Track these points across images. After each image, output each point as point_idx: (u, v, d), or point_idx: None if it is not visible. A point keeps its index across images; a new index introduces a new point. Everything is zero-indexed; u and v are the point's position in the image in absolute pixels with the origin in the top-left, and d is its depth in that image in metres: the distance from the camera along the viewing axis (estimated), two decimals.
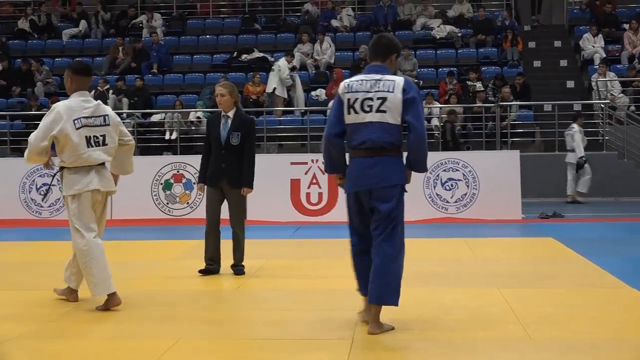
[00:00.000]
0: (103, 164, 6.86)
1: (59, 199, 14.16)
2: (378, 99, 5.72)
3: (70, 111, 6.73)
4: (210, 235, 8.39)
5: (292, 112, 19.48)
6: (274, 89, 19.18)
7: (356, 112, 5.76)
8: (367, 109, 5.74)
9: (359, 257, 6.00)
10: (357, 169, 5.81)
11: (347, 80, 5.93)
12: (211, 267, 8.41)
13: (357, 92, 5.77)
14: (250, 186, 8.28)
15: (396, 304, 5.82)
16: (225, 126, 8.19)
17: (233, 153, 8.16)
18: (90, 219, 6.87)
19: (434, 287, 7.61)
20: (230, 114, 8.23)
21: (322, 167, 6.00)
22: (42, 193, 6.81)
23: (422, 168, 5.89)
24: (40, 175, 14.19)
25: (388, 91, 5.72)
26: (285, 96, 19.29)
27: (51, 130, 6.71)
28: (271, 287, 7.77)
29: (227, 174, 8.20)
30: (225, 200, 8.36)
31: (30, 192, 14.21)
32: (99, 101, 7.05)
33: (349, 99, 5.79)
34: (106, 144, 6.83)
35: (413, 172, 5.90)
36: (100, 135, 6.79)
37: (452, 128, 17.84)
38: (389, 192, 5.76)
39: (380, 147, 5.75)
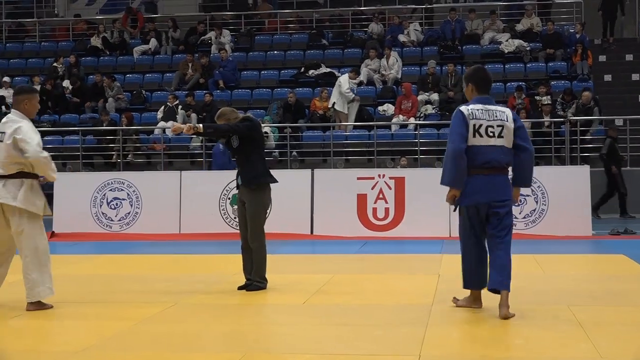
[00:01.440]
0: None
1: (129, 213, 14.40)
2: (498, 126, 6.79)
3: None
4: (243, 252, 8.44)
5: (359, 127, 19.47)
6: (334, 103, 19.20)
7: (481, 136, 6.75)
8: (491, 134, 6.77)
9: (477, 256, 6.98)
10: (480, 184, 6.79)
11: (469, 108, 6.81)
12: (250, 281, 8.41)
13: (480, 119, 6.77)
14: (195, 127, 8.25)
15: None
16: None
17: (239, 155, 8.30)
18: None
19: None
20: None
21: (440, 178, 6.90)
22: None
23: (530, 182, 7.13)
24: (111, 190, 14.45)
25: (505, 120, 6.84)
26: (346, 111, 19.29)
27: None
28: (337, 302, 7.76)
29: (241, 177, 8.32)
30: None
31: (101, 206, 14.46)
32: (8, 117, 7.44)
33: (474, 125, 6.75)
34: None
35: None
36: None
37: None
38: (507, 203, 6.90)
39: (501, 167, 6.86)
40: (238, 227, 8.54)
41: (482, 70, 7.21)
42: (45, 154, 7.34)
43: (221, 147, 16.68)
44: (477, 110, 6.79)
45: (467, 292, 7.23)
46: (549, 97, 19.06)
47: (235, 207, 12.86)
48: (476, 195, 6.80)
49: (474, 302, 7.14)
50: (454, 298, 7.32)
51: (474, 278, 7.06)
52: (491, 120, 6.79)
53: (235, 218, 14.06)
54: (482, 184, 6.78)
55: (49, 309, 7.36)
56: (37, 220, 7.43)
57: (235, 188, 8.59)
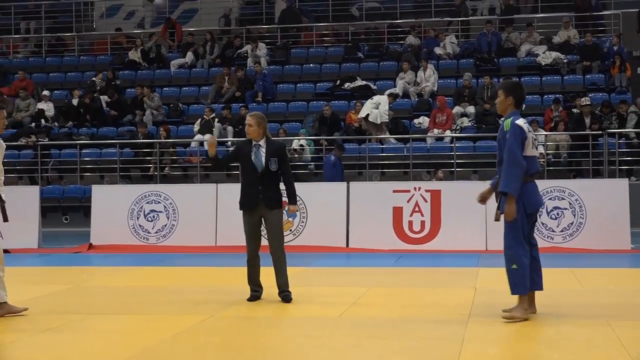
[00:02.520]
0: None
1: (165, 225, 14.48)
2: (534, 139, 7.37)
3: None
4: (252, 263, 8.62)
5: (395, 139, 19.45)
6: (367, 115, 19.16)
7: (533, 148, 7.31)
8: (535, 146, 7.39)
9: (529, 260, 7.29)
10: (536, 191, 7.40)
11: (522, 123, 7.25)
12: (257, 293, 8.62)
13: (531, 132, 7.30)
14: (295, 203, 8.72)
15: None
16: (258, 154, 8.46)
17: (270, 177, 8.45)
18: None
19: (538, 319, 7.45)
20: (262, 142, 8.51)
21: (499, 187, 7.31)
22: None
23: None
24: (148, 202, 14.55)
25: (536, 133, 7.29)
26: (379, 122, 19.24)
27: None
28: (373, 315, 7.74)
29: (265, 198, 8.44)
30: (262, 226, 8.63)
31: (138, 218, 14.56)
32: None
33: (531, 137, 7.28)
34: None
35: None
36: None
37: None
38: None
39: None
40: (247, 240, 8.66)
41: (522, 86, 7.58)
42: None
43: (332, 158, 16.77)
44: (526, 125, 7.29)
45: (512, 303, 7.30)
46: (587, 98, 18.88)
47: None
48: (537, 202, 7.40)
49: (530, 306, 7.35)
50: (505, 312, 7.28)
51: (529, 281, 7.28)
52: (532, 133, 7.34)
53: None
54: (537, 191, 7.40)
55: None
56: None
57: (243, 206, 8.63)
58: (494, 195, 7.62)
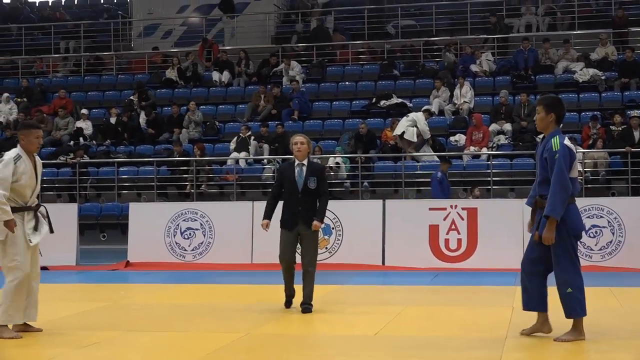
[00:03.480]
0: None
1: (202, 243, 14.55)
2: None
3: None
4: (288, 272, 9.11)
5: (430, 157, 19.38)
6: (403, 132, 19.12)
7: (576, 169, 7.17)
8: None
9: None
10: (579, 214, 7.30)
11: (570, 143, 7.14)
12: (290, 299, 9.24)
13: (576, 153, 7.18)
14: (322, 221, 9.09)
15: None
16: (301, 173, 9.00)
17: (309, 196, 8.98)
18: None
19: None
20: (305, 162, 9.06)
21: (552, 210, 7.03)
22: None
23: None
24: (184, 220, 14.63)
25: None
26: (415, 140, 19.19)
27: None
28: (409, 334, 7.70)
29: (304, 217, 8.96)
30: (298, 242, 9.12)
31: (174, 235, 14.64)
32: None
33: (574, 158, 7.12)
34: None
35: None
36: None
37: None
38: None
39: None
40: (283, 254, 9.09)
41: (563, 102, 7.44)
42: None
43: (439, 175, 16.70)
44: (572, 144, 7.19)
45: (565, 327, 7.21)
46: (638, 110, 18.66)
47: None
48: (582, 225, 7.36)
49: (544, 325, 7.33)
50: (559, 339, 7.18)
51: (585, 305, 7.20)
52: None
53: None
54: (579, 214, 7.33)
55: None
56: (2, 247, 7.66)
57: (284, 225, 9.11)
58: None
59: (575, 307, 7.13)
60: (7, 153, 7.84)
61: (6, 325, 7.61)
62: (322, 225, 9.24)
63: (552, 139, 7.14)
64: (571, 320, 7.19)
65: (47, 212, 8.08)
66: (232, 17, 27.00)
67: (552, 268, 7.20)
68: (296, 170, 9.03)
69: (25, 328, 7.81)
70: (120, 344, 7.36)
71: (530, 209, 7.46)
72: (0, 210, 7.49)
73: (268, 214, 9.13)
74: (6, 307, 7.58)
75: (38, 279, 7.89)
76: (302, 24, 26.53)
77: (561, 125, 7.38)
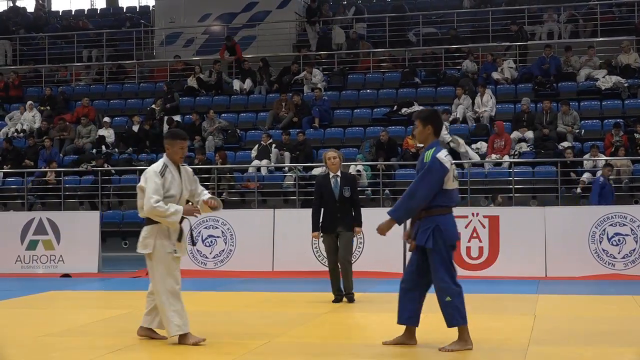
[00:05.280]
0: None
1: (223, 250, 14.58)
2: (454, 171, 7.29)
3: None
4: (334, 273, 10.42)
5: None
6: None
7: (454, 181, 7.25)
8: (455, 177, 7.29)
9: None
10: (454, 223, 7.44)
11: (444, 156, 7.11)
12: (339, 297, 10.40)
13: (452, 164, 7.20)
14: (360, 226, 10.43)
15: None
16: (336, 184, 10.32)
17: (345, 204, 10.30)
18: None
19: (601, 347, 7.32)
20: (339, 173, 10.39)
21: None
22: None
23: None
24: (206, 227, 14.66)
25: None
26: None
27: None
28: (431, 341, 7.66)
29: (342, 221, 10.32)
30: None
31: (196, 243, 14.65)
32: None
33: (452, 170, 7.17)
34: None
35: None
36: None
37: None
38: None
39: None
40: (327, 256, 10.66)
41: (439, 114, 7.55)
42: (155, 206, 7.45)
43: (601, 180, 16.45)
44: (448, 156, 7.18)
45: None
46: None
47: None
48: (456, 235, 7.36)
49: (410, 339, 7.46)
50: (444, 348, 7.14)
51: (465, 312, 7.23)
52: (453, 165, 7.27)
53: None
54: (455, 223, 7.36)
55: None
56: (149, 261, 7.65)
57: (325, 230, 10.46)
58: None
59: (455, 316, 7.15)
60: (152, 166, 7.72)
61: (186, 334, 7.50)
62: (361, 231, 10.48)
63: (427, 152, 7.18)
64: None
65: (190, 223, 7.89)
66: (253, 26, 27.09)
67: (426, 282, 7.32)
68: (332, 182, 10.34)
69: (151, 334, 7.77)
70: (142, 351, 7.38)
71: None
72: (168, 216, 7.40)
73: (316, 226, 10.41)
74: (169, 319, 7.46)
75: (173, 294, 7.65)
76: (321, 32, 26.56)
77: (440, 137, 7.38)
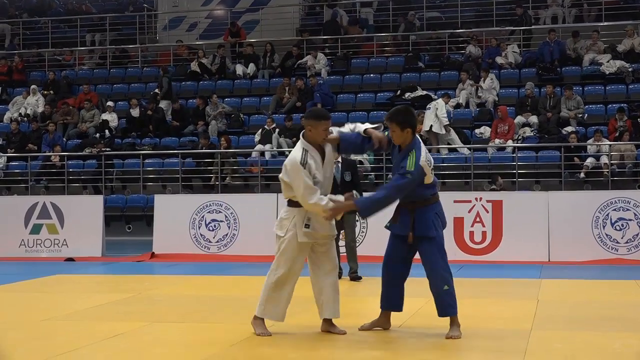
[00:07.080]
0: None
1: (226, 235, 14.59)
2: (431, 167, 7.07)
3: None
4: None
5: (455, 150, 19.31)
6: (431, 126, 19.03)
7: (431, 175, 7.05)
8: (432, 169, 7.09)
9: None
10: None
11: (424, 160, 6.92)
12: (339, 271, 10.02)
13: (429, 162, 7.03)
14: (361, 195, 10.27)
15: None
16: (337, 169, 10.29)
17: (346, 187, 9.91)
18: None
19: (604, 332, 7.32)
20: (339, 159, 10.09)
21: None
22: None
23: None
24: (209, 212, 14.68)
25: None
26: (443, 131, 19.11)
27: None
28: (433, 326, 7.66)
29: None
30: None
31: (199, 227, 14.70)
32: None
33: (429, 168, 6.98)
34: None
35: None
36: None
37: None
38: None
39: None
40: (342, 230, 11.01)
41: (412, 111, 7.31)
42: (311, 198, 6.96)
43: None
44: (427, 154, 7.05)
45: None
46: None
47: None
48: (445, 221, 7.29)
49: (385, 323, 7.48)
50: (452, 336, 7.08)
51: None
52: (429, 162, 7.06)
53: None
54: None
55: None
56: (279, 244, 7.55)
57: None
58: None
59: (452, 305, 7.15)
60: (292, 154, 7.24)
61: (262, 319, 7.28)
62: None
63: (409, 158, 6.92)
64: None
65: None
66: (256, 10, 27.01)
67: (409, 270, 7.32)
68: (334, 167, 9.79)
69: (328, 328, 7.37)
70: (145, 335, 7.40)
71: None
72: (319, 205, 6.90)
73: None
74: (262, 300, 7.34)
75: (329, 275, 7.49)
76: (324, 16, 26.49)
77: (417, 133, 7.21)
